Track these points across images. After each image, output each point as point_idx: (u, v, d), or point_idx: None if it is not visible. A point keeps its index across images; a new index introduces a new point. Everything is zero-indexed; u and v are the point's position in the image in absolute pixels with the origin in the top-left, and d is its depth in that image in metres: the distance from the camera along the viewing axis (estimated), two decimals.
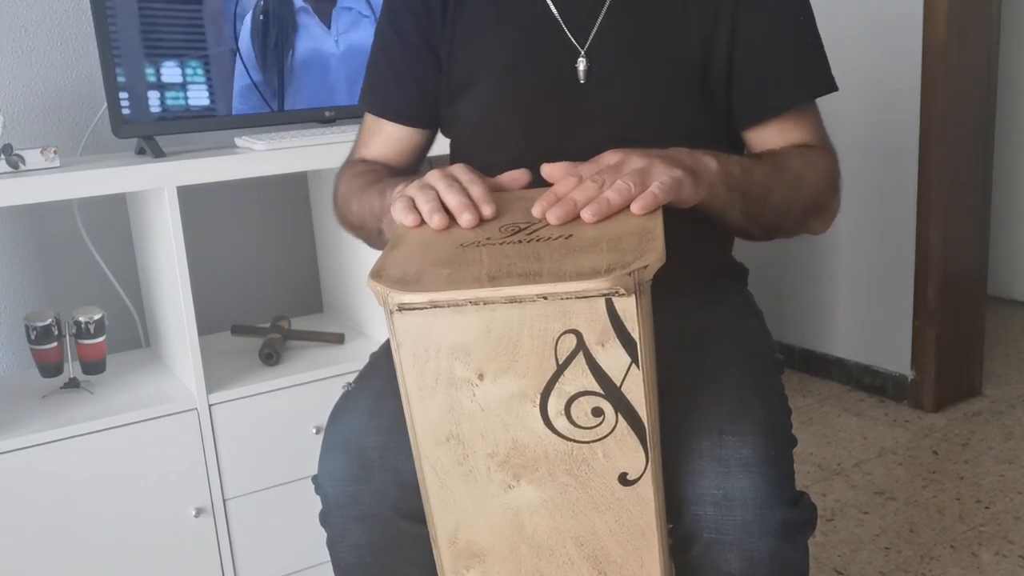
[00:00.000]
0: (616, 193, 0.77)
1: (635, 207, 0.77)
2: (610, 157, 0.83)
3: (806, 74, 1.03)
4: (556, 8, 1.04)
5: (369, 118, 1.15)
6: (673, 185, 0.79)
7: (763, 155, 1.01)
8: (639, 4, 1.02)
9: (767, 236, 1.01)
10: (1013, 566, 1.70)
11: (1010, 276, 3.28)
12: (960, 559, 1.74)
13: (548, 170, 0.84)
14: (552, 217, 0.77)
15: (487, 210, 0.81)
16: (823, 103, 1.05)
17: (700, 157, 0.86)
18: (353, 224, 1.08)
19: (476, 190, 0.83)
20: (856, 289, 2.54)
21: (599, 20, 1.03)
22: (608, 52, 1.02)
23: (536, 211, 0.79)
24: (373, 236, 1.04)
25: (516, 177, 0.88)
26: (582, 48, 1.03)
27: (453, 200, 0.81)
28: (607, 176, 0.80)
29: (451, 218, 0.81)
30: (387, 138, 1.13)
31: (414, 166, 1.17)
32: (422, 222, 0.82)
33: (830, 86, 1.04)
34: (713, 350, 0.98)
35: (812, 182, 0.98)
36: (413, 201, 0.83)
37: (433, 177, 0.84)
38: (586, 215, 0.77)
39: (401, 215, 0.82)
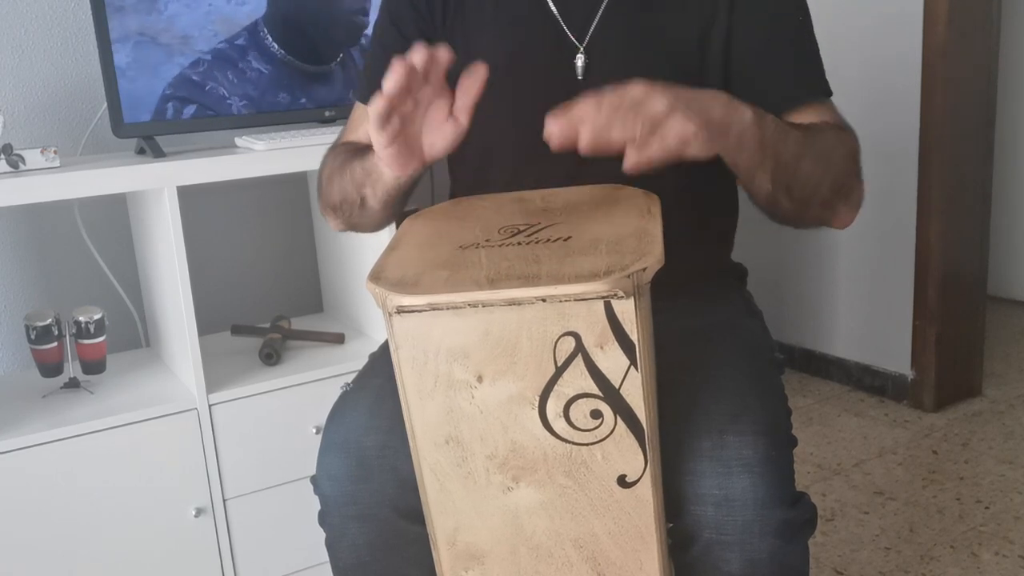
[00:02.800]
0: (620, 131, 0.76)
1: (628, 163, 0.76)
2: (636, 91, 0.79)
3: (806, 76, 1.03)
4: (555, 5, 1.04)
5: (359, 107, 1.15)
6: (676, 146, 0.77)
7: (797, 124, 0.97)
8: (638, 2, 1.02)
9: (796, 212, 0.96)
10: (1013, 566, 1.70)
11: (1010, 276, 3.27)
12: (960, 559, 1.74)
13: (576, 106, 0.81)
14: (553, 128, 0.77)
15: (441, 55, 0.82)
16: None
17: (736, 107, 0.84)
18: (334, 203, 1.06)
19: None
20: (856, 289, 2.54)
21: (597, 17, 1.03)
22: (606, 49, 1.03)
23: (548, 126, 0.78)
24: (355, 210, 1.02)
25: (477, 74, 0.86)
26: (581, 45, 1.03)
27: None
28: (622, 114, 0.77)
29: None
30: None
31: None
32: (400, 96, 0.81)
33: (826, 90, 1.03)
34: (713, 350, 0.98)
35: (841, 157, 0.95)
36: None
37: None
38: (581, 143, 0.76)
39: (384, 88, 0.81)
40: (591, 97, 0.80)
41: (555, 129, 0.77)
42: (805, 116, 1.00)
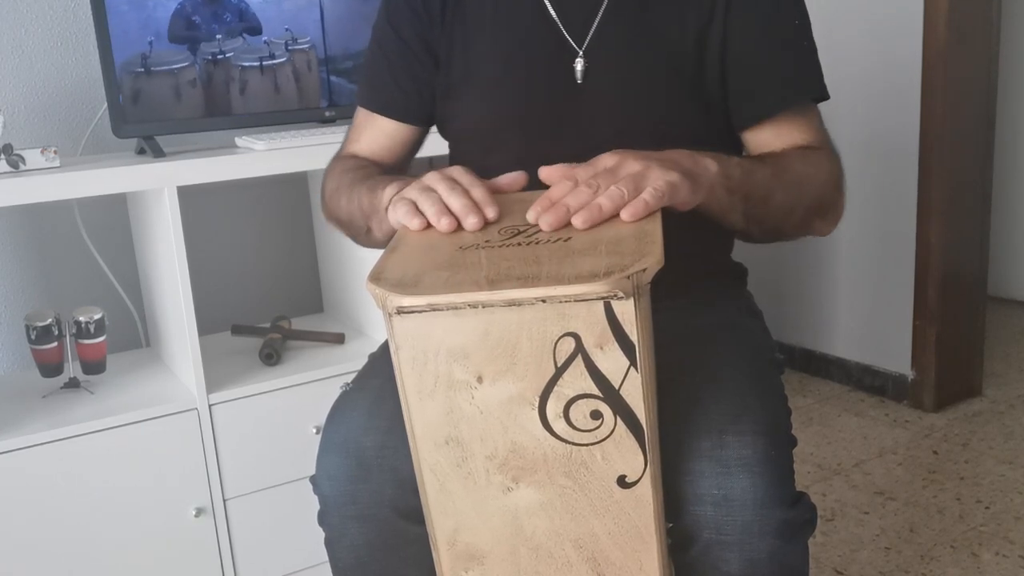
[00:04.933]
0: (608, 199, 0.77)
1: (625, 214, 0.76)
2: (607, 160, 0.82)
3: (801, 76, 1.03)
4: (554, 9, 1.04)
5: (361, 113, 1.15)
6: (667, 190, 0.78)
7: (765, 156, 1.00)
8: (637, 5, 1.02)
9: (768, 238, 1.00)
10: (1013, 566, 1.70)
11: (1010, 276, 3.27)
12: (960, 559, 1.74)
13: (545, 173, 0.83)
14: (544, 223, 0.77)
15: (490, 212, 0.81)
16: (825, 104, 1.05)
17: (700, 159, 0.85)
18: (341, 220, 1.08)
19: (478, 192, 0.83)
20: (856, 289, 2.54)
21: (597, 21, 1.03)
22: (606, 53, 1.02)
23: (531, 216, 0.79)
24: (360, 234, 1.04)
25: (514, 179, 0.88)
26: (580, 49, 1.03)
27: (457, 203, 0.81)
28: (602, 180, 0.79)
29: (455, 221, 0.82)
30: (378, 133, 1.13)
31: (403, 162, 1.17)
32: (428, 226, 0.82)
33: (823, 92, 1.03)
34: (713, 350, 0.98)
35: (816, 183, 0.97)
36: (415, 205, 0.83)
37: (433, 180, 0.84)
38: (577, 221, 0.76)
39: (405, 218, 0.82)
40: (562, 175, 0.81)
41: (544, 223, 0.77)
42: (786, 128, 1.01)
